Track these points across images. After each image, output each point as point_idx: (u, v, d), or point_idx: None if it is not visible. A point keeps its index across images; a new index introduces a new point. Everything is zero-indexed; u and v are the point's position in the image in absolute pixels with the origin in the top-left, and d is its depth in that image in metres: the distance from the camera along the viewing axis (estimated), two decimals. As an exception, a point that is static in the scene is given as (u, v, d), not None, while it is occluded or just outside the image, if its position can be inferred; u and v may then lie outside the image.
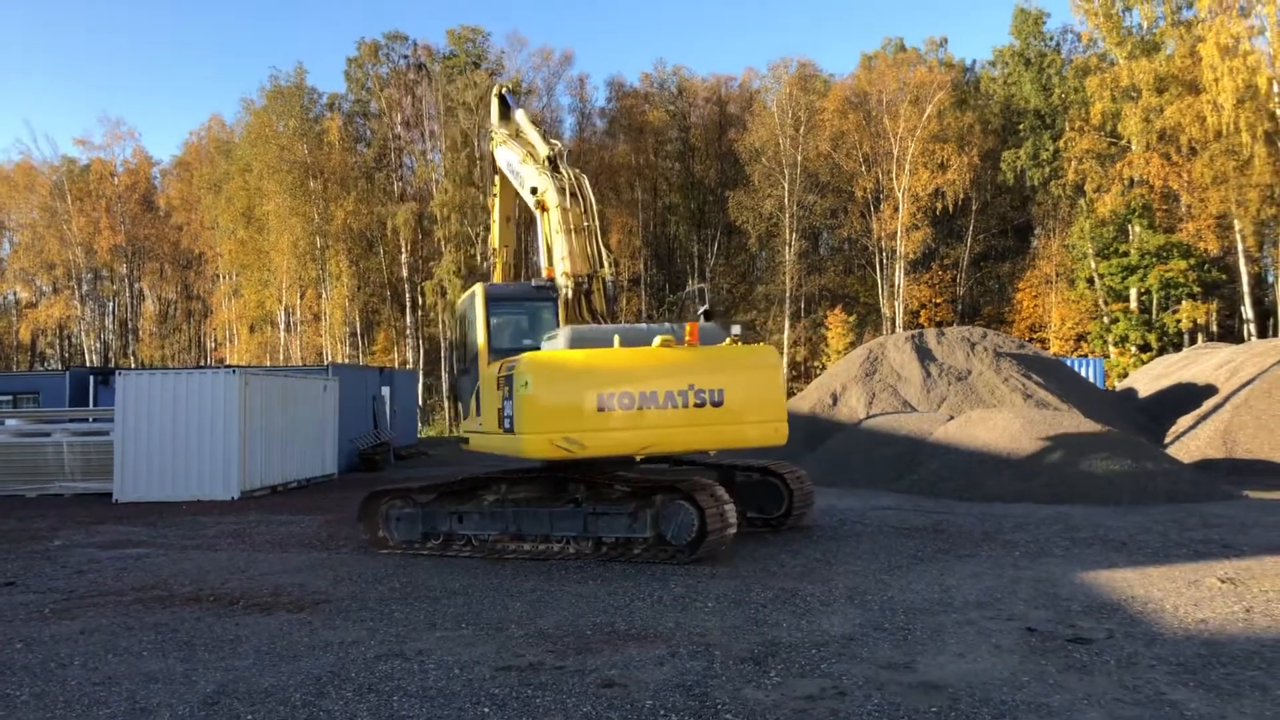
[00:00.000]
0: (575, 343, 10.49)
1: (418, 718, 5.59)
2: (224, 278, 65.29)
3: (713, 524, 10.01)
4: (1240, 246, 43.87)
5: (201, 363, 69.09)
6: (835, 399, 23.10)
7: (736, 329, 10.64)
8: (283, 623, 8.11)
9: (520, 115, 14.34)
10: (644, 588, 9.10)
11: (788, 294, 53.17)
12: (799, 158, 52.74)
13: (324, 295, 56.39)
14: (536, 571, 10.18)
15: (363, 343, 59.00)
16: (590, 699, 5.84)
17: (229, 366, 37.68)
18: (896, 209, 50.62)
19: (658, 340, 10.46)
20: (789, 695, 5.83)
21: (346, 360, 54.40)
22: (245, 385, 18.80)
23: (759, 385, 10.42)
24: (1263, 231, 46.01)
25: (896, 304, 51.13)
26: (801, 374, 53.63)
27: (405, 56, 60.34)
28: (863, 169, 52.86)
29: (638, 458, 10.83)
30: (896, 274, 51.44)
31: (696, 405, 10.17)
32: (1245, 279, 44.36)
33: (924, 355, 23.71)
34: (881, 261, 53.15)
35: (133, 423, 18.45)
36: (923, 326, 45.02)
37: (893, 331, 45.26)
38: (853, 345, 44.03)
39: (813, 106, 53.22)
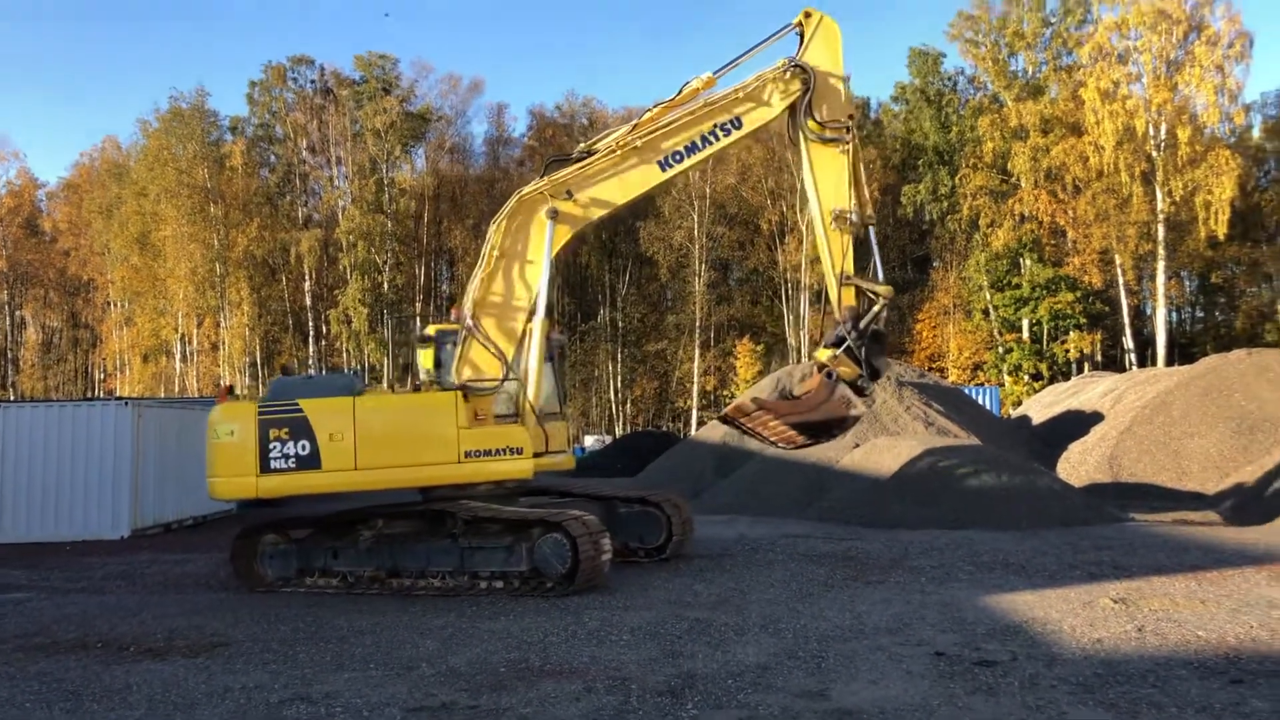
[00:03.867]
0: None
1: (325, 765, 5.37)
2: (115, 305, 62.57)
3: (585, 554, 10.15)
4: (1121, 280, 46.35)
5: (89, 394, 65.86)
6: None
7: (229, 384, 11.31)
8: (177, 669, 7.72)
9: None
10: (558, 621, 8.99)
11: (697, 323, 53.81)
12: (708, 190, 53.63)
13: (223, 324, 54.54)
14: (447, 607, 9.96)
15: (263, 373, 57.14)
16: (505, 739, 5.71)
17: (120, 398, 36.01)
18: (800, 242, 51.85)
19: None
20: (706, 728, 5.81)
21: (246, 392, 52.58)
22: (139, 418, 17.98)
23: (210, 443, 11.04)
24: (1140, 266, 48.71)
25: (802, 334, 52.23)
26: (711, 403, 54.17)
27: (312, 81, 59.35)
28: (768, 202, 54.05)
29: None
30: (801, 304, 52.59)
31: None
32: (1126, 311, 46.84)
33: (831, 384, 24.20)
34: (787, 292, 54.28)
35: (12, 458, 17.43)
36: (828, 356, 45.93)
37: (799, 361, 46.19)
38: (761, 374, 44.71)
39: (720, 140, 54.19)
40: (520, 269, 11.87)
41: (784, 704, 6.22)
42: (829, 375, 11.51)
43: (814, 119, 11.90)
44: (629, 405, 59.43)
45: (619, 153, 11.93)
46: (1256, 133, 51.09)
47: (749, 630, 8.46)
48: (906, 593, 10.05)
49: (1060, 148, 44.10)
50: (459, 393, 11.12)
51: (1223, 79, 41.87)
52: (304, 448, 10.67)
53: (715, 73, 12.18)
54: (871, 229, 12.08)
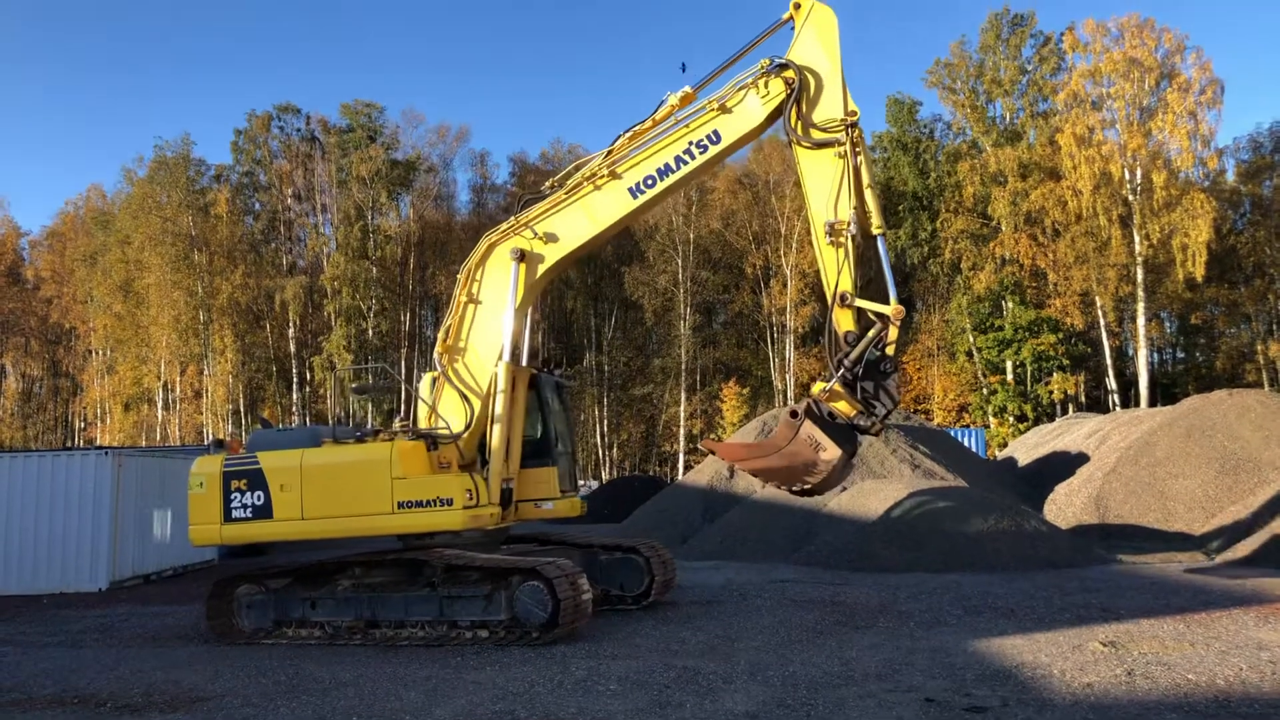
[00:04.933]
0: None
1: (305, 824, 5.25)
2: (97, 353, 62.18)
3: (564, 596, 10.08)
4: (1102, 321, 46.81)
5: (69, 444, 65.19)
6: (732, 472, 23.30)
7: (218, 437, 12.19)
8: (156, 725, 7.56)
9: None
10: (544, 671, 8.87)
11: (683, 367, 53.88)
12: (691, 235, 54.07)
13: (206, 371, 54.22)
14: (431, 658, 9.82)
15: (246, 421, 56.74)
16: (491, 794, 5.61)
17: (100, 447, 35.70)
18: (785, 285, 52.22)
19: None
20: (695, 779, 5.72)
21: (232, 440, 52.08)
22: (119, 467, 17.76)
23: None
24: (1121, 308, 49.22)
25: (787, 377, 52.37)
26: (697, 447, 54.06)
27: (298, 129, 59.75)
28: (752, 246, 54.50)
29: None
30: (787, 348, 52.80)
31: None
32: (1108, 352, 47.25)
33: (816, 427, 24.20)
34: (772, 335, 54.51)
35: (-11, 510, 17.17)
36: (814, 399, 46.00)
37: (784, 404, 46.24)
38: (747, 418, 44.74)
39: (704, 186, 54.88)
40: (488, 312, 11.69)
41: (773, 754, 6.14)
42: (793, 414, 10.08)
43: (806, 120, 10.58)
44: (615, 450, 59.22)
45: (585, 184, 11.42)
46: (1231, 176, 52.07)
47: (737, 678, 8.37)
48: (895, 638, 9.98)
49: (1039, 192, 44.78)
50: (396, 443, 11.04)
51: (1195, 124, 42.79)
52: (259, 498, 11.16)
53: (695, 86, 11.10)
54: (881, 240, 10.60)
